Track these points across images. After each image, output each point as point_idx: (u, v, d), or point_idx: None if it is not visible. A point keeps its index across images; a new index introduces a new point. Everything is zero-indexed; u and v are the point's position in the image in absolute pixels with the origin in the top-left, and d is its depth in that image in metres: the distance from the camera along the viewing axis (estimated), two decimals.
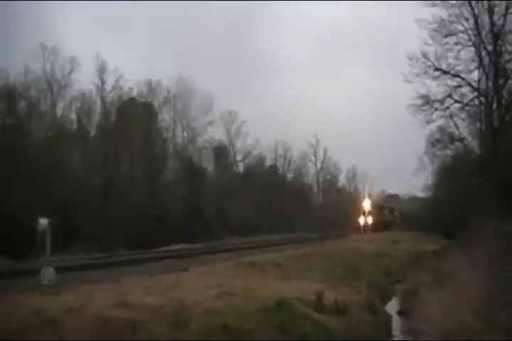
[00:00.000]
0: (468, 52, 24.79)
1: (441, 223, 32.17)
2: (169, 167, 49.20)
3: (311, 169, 75.04)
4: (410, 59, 24.88)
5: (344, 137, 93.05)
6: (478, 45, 24.49)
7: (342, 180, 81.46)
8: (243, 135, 62.49)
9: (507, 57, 24.51)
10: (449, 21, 24.34)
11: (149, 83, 46.89)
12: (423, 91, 25.10)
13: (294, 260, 19.31)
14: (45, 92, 40.50)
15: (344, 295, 12.37)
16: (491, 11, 24.06)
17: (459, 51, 24.62)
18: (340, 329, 10.02)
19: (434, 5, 23.88)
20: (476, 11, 24.30)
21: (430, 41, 24.49)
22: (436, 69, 24.76)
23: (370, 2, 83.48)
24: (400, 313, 14.11)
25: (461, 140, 26.80)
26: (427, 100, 25.15)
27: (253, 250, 25.35)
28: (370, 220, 60.21)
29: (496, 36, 24.02)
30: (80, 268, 15.47)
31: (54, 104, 41.32)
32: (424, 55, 24.69)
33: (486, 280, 11.04)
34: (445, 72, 24.86)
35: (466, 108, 25.67)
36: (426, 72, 24.77)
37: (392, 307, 15.44)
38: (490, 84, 24.49)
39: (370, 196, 64.21)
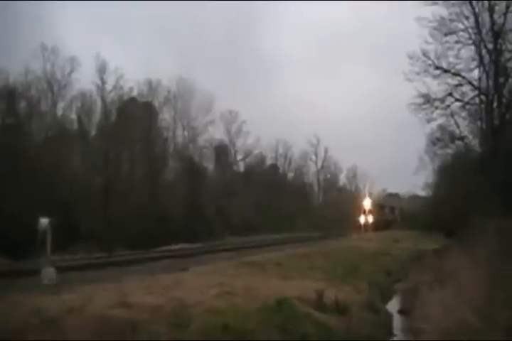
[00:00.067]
0: (468, 51, 24.79)
1: (441, 222, 32.11)
2: (170, 166, 49.21)
3: (312, 168, 75.19)
4: (411, 58, 24.87)
5: (344, 136, 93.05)
6: (478, 44, 24.46)
7: (342, 179, 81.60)
8: (244, 134, 62.60)
9: (507, 55, 24.48)
10: (450, 20, 24.33)
11: (149, 83, 46.95)
12: (423, 90, 25.10)
13: (294, 259, 19.31)
14: (46, 92, 40.52)
15: (345, 294, 12.37)
16: (491, 10, 24.03)
17: (459, 50, 24.61)
18: (340, 329, 10.02)
19: (434, 3, 23.86)
20: (476, 9, 24.28)
21: (430, 40, 24.49)
22: (437, 67, 24.73)
23: (370, 2, 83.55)
24: (400, 312, 14.11)
25: (461, 138, 26.77)
26: (427, 99, 25.13)
27: (253, 249, 25.35)
28: (370, 219, 60.22)
29: (497, 35, 23.98)
30: (81, 267, 15.48)
31: (54, 104, 41.33)
32: (425, 54, 24.68)
33: (487, 278, 11.03)
34: (445, 71, 24.83)
35: (467, 106, 25.66)
36: (426, 71, 24.76)
37: (392, 306, 15.44)
38: (490, 82, 24.46)
39: (370, 195, 64.34)
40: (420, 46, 24.69)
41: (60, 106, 41.91)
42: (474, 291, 10.64)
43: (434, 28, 24.28)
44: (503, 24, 23.80)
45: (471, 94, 25.18)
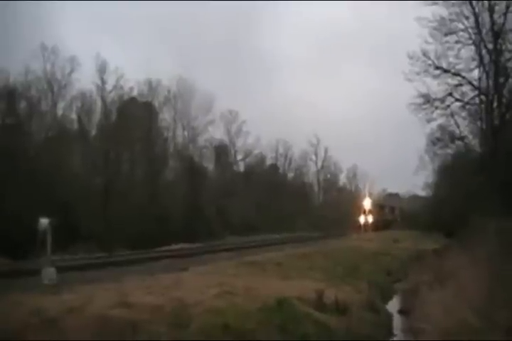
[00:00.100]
0: (468, 51, 24.78)
1: (441, 222, 32.11)
2: (170, 166, 49.22)
3: (312, 168, 75.20)
4: (411, 58, 24.86)
5: (344, 136, 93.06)
6: (478, 44, 24.46)
7: (343, 179, 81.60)
8: (244, 134, 62.60)
9: (507, 55, 24.47)
10: (450, 20, 24.32)
11: (150, 83, 46.96)
12: (423, 90, 25.09)
13: (294, 259, 19.32)
14: (46, 92, 40.52)
15: (345, 294, 12.38)
16: (491, 10, 24.02)
17: (459, 50, 24.61)
18: (340, 329, 10.02)
19: (434, 3, 23.86)
20: (476, 9, 24.28)
21: (430, 40, 24.48)
22: (437, 67, 24.73)
23: (370, 2, 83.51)
24: (400, 312, 14.12)
25: (461, 138, 26.77)
26: (427, 99, 25.13)
27: (253, 249, 25.36)
28: (370, 219, 60.22)
29: (497, 35, 23.98)
30: (81, 267, 15.48)
31: (54, 104, 41.34)
32: (425, 54, 24.68)
33: (487, 278, 11.03)
34: (445, 71, 24.83)
35: (467, 106, 25.65)
36: (426, 71, 24.76)
37: (392, 306, 15.44)
38: (490, 82, 24.45)
39: (370, 195, 64.33)
40: (420, 46, 24.72)
41: (60, 106, 42.01)
42: (474, 291, 10.65)
43: (434, 28, 24.31)
44: (503, 24, 23.81)
45: (471, 94, 25.22)
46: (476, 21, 24.30)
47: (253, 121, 66.92)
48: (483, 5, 24.28)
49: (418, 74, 24.70)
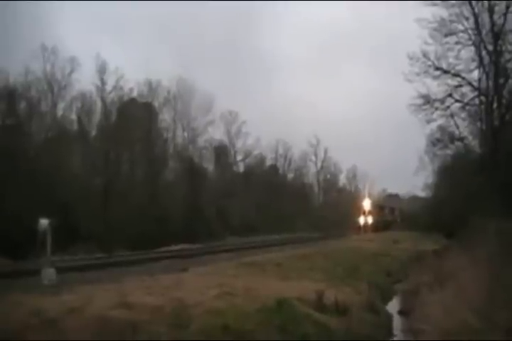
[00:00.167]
0: (468, 52, 24.78)
1: (441, 222, 32.10)
2: (169, 167, 49.22)
3: (312, 169, 75.23)
4: (410, 58, 24.85)
5: (344, 137, 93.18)
6: (478, 45, 24.46)
7: (342, 179, 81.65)
8: (243, 135, 62.60)
9: (507, 56, 24.47)
10: (450, 21, 24.32)
11: (149, 83, 46.98)
12: (423, 90, 25.08)
13: (294, 260, 19.31)
14: (46, 93, 40.54)
15: (345, 295, 12.37)
16: (491, 10, 24.02)
17: (459, 50, 24.60)
18: (340, 329, 10.02)
19: (434, 4, 23.83)
20: (476, 10, 24.27)
21: (430, 40, 24.47)
22: (437, 68, 24.73)
23: (370, 2, 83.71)
24: (400, 313, 14.11)
25: (461, 139, 26.77)
26: (427, 99, 25.12)
27: (253, 250, 25.36)
28: (370, 220, 60.21)
29: (496, 35, 23.98)
30: (81, 268, 15.48)
31: (54, 105, 41.35)
32: (425, 55, 24.67)
33: (487, 279, 11.03)
34: (445, 72, 24.83)
35: (467, 107, 25.65)
36: (426, 72, 24.75)
37: (392, 306, 15.44)
38: (490, 83, 24.45)
39: (370, 196, 64.38)
40: (420, 47, 24.71)
41: (60, 106, 42.01)
42: (474, 292, 10.65)
43: (434, 29, 24.30)
44: (503, 25, 23.80)
45: (471, 95, 25.21)
46: (476, 22, 24.31)
47: (253, 122, 66.92)
48: (482, 5, 24.29)
49: (418, 75, 24.73)
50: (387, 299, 16.48)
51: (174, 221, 40.43)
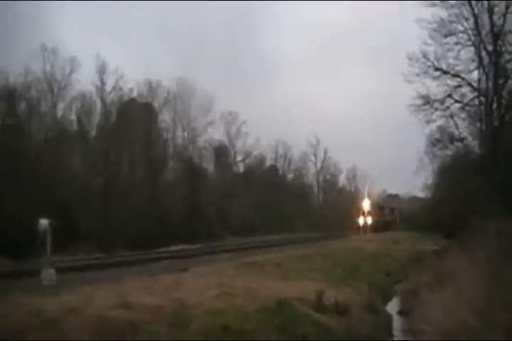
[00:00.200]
0: (468, 52, 24.79)
1: (441, 223, 32.12)
2: (169, 167, 49.24)
3: (311, 169, 75.27)
4: (410, 59, 24.87)
5: (344, 137, 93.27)
6: (478, 45, 24.47)
7: (342, 180, 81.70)
8: (243, 135, 62.61)
9: (507, 57, 24.48)
10: (449, 21, 24.33)
11: (149, 83, 47.01)
12: (423, 91, 25.09)
13: (294, 260, 19.31)
14: (46, 93, 40.56)
15: (344, 295, 12.37)
16: (490, 11, 24.03)
17: (458, 51, 24.61)
18: (340, 330, 10.02)
19: (433, 5, 23.86)
20: (475, 10, 24.28)
21: (430, 41, 24.48)
22: (436, 69, 24.74)
23: (370, 2, 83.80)
24: (400, 313, 14.12)
25: (461, 140, 26.77)
26: (427, 100, 25.13)
27: (253, 250, 25.37)
28: (369, 220, 60.19)
29: (496, 36, 23.99)
30: (81, 268, 15.48)
31: (54, 105, 41.37)
32: (424, 55, 24.67)
33: (486, 280, 11.03)
34: (445, 72, 24.83)
35: (466, 108, 25.65)
36: (426, 72, 24.75)
37: (392, 307, 15.44)
38: (490, 84, 24.46)
39: (370, 196, 64.37)
40: (420, 47, 24.73)
41: (60, 106, 42.06)
42: (474, 292, 10.65)
43: (434, 30, 24.30)
44: (503, 25, 23.81)
45: (471, 95, 25.21)
46: (476, 23, 24.32)
47: (253, 122, 66.82)
48: (482, 6, 24.30)
49: (418, 75, 24.74)
50: (387, 299, 16.48)
51: (174, 221, 40.43)
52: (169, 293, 10.18)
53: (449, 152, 28.93)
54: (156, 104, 48.15)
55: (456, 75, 24.96)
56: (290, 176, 72.06)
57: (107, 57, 48.37)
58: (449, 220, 27.32)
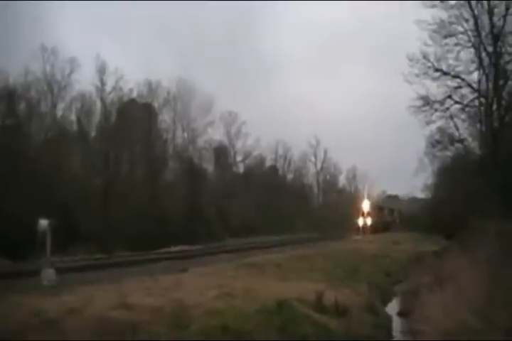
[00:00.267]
0: (468, 53, 24.77)
1: (441, 224, 32.13)
2: (169, 168, 49.24)
3: (311, 169, 75.28)
4: (410, 60, 24.84)
5: (344, 137, 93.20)
6: (478, 46, 24.46)
7: (342, 180, 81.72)
8: (243, 135, 62.61)
9: (507, 58, 24.47)
10: (449, 22, 24.31)
11: (149, 84, 47.01)
12: (423, 92, 25.05)
13: (294, 260, 19.31)
14: (45, 93, 40.56)
15: (344, 296, 12.38)
16: (490, 12, 24.03)
17: (458, 52, 24.59)
18: (340, 330, 10.03)
19: (433, 6, 23.85)
20: (475, 12, 24.27)
21: (430, 42, 24.45)
22: (436, 70, 24.73)
23: (370, 2, 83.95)
24: (400, 314, 14.12)
25: (461, 141, 26.75)
26: (426, 101, 25.10)
27: (253, 251, 25.37)
28: (369, 221, 60.18)
29: (496, 37, 23.99)
30: (80, 269, 15.48)
31: (54, 105, 41.38)
32: (424, 56, 24.65)
33: (487, 280, 11.03)
34: (445, 73, 24.83)
35: (466, 109, 25.63)
36: (426, 73, 24.73)
37: (392, 307, 15.44)
38: (490, 85, 24.45)
39: (369, 197, 64.35)
40: (420, 48, 24.70)
41: (60, 107, 42.05)
42: (474, 293, 10.65)
43: (434, 31, 24.28)
44: (503, 26, 23.81)
45: (471, 96, 25.19)
46: (476, 24, 24.32)
47: (253, 122, 66.91)
48: (482, 7, 24.30)
49: (418, 76, 24.71)
50: (387, 300, 16.49)
51: (174, 221, 40.42)
52: (169, 293, 10.18)
53: (449, 153, 28.93)
54: (156, 105, 48.20)
55: (456, 76, 24.96)
56: (290, 177, 72.15)
57: (107, 57, 48.49)
58: (449, 221, 27.32)
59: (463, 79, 24.99)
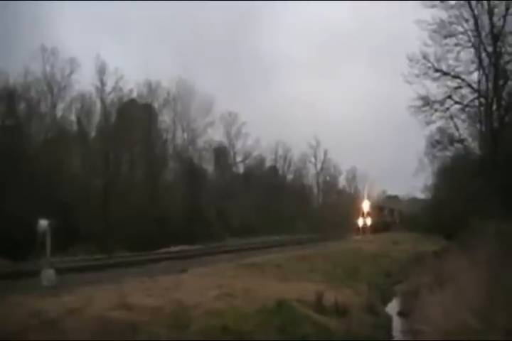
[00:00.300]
0: (468, 54, 24.79)
1: (441, 224, 32.16)
2: (169, 168, 49.26)
3: (311, 170, 75.27)
4: (410, 60, 24.87)
5: (344, 138, 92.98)
6: (478, 46, 24.48)
7: (342, 181, 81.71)
8: (243, 136, 62.63)
9: (507, 58, 24.49)
10: (449, 22, 24.34)
11: (149, 84, 47.06)
12: (423, 92, 25.08)
13: (294, 261, 19.30)
14: (45, 94, 40.60)
15: (344, 296, 12.37)
16: (490, 12, 24.05)
17: (458, 52, 24.61)
18: (340, 330, 10.02)
19: (433, 6, 23.88)
20: (475, 12, 24.29)
21: (430, 42, 24.49)
22: (436, 70, 24.74)
23: (370, 2, 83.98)
24: (400, 314, 14.12)
25: (461, 141, 26.76)
26: (426, 101, 25.13)
27: (253, 251, 25.34)
28: (369, 221, 60.19)
29: (496, 37, 24.01)
30: (80, 269, 15.45)
31: (54, 106, 41.41)
32: (424, 56, 24.68)
33: (486, 281, 11.04)
34: (445, 73, 24.84)
35: (466, 109, 25.65)
36: (426, 73, 24.75)
37: (392, 307, 15.44)
38: (490, 85, 24.47)
39: (369, 197, 64.32)
40: (420, 48, 24.73)
41: (60, 107, 42.12)
42: (474, 293, 10.65)
43: (434, 31, 24.31)
44: (503, 27, 23.83)
45: (471, 96, 25.21)
46: (476, 24, 24.34)
47: (252, 123, 67.04)
48: (482, 7, 24.32)
49: (417, 76, 24.74)
50: (387, 300, 16.49)
51: (174, 222, 40.44)
52: (169, 293, 10.18)
53: (449, 153, 28.95)
54: (155, 105, 48.24)
55: (456, 76, 24.97)
56: (290, 177, 72.15)
57: (107, 57, 48.65)
58: (449, 221, 27.34)
59: (463, 80, 25.02)
